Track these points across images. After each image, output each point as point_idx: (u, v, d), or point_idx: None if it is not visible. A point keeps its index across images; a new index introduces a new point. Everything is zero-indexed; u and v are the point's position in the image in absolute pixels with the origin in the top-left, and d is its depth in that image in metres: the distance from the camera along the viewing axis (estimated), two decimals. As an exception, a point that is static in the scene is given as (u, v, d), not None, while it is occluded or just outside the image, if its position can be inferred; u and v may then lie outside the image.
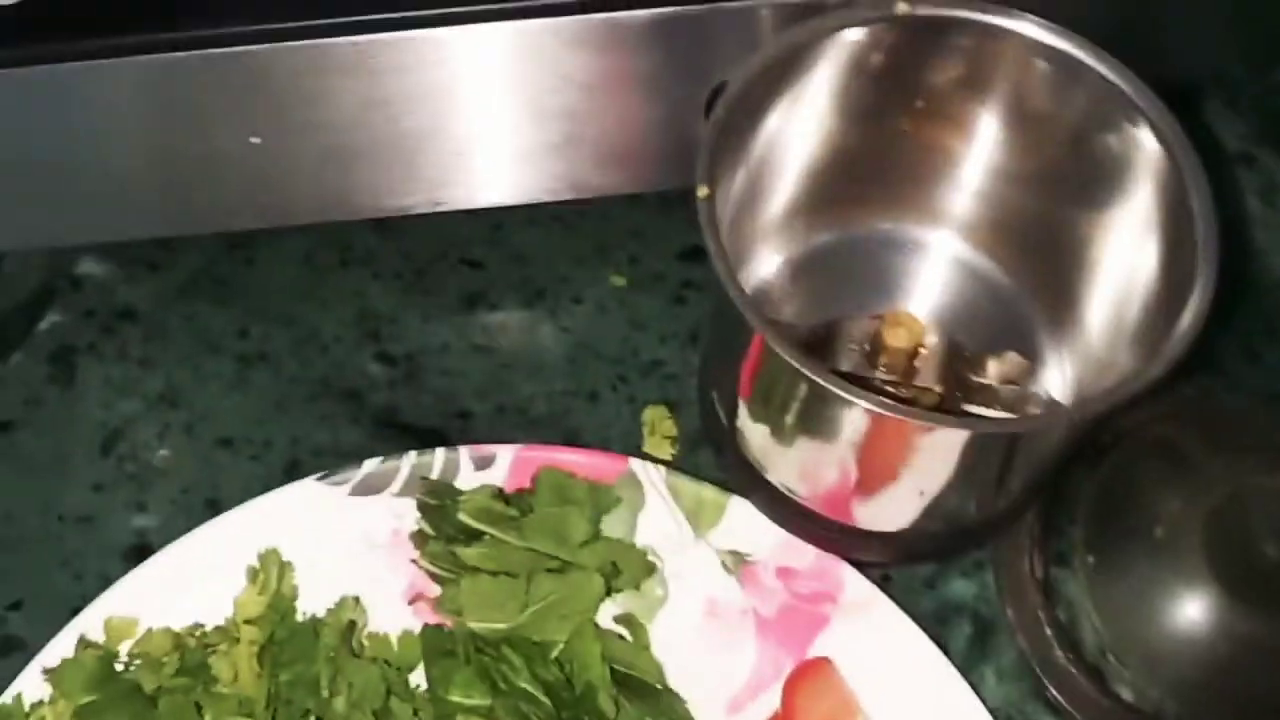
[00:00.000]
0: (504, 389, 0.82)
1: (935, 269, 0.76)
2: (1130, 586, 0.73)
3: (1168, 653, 0.71)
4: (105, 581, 0.71)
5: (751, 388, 0.67)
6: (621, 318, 0.85)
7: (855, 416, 0.60)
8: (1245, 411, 0.81)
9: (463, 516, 0.70)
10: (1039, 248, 0.73)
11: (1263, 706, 0.65)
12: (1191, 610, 0.71)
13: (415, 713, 0.68)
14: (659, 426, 0.80)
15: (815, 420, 0.63)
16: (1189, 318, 0.59)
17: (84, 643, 0.68)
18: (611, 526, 0.74)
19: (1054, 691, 0.72)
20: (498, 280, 0.86)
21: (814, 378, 0.58)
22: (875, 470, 0.65)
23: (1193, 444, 0.76)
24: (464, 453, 0.75)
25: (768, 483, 0.72)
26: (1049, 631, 0.72)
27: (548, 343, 0.84)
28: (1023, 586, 0.74)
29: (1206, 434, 0.77)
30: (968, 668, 0.72)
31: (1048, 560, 0.75)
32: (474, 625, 0.69)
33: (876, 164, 0.74)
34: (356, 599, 0.72)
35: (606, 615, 0.72)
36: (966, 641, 0.75)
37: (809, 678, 0.69)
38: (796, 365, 0.58)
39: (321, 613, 0.71)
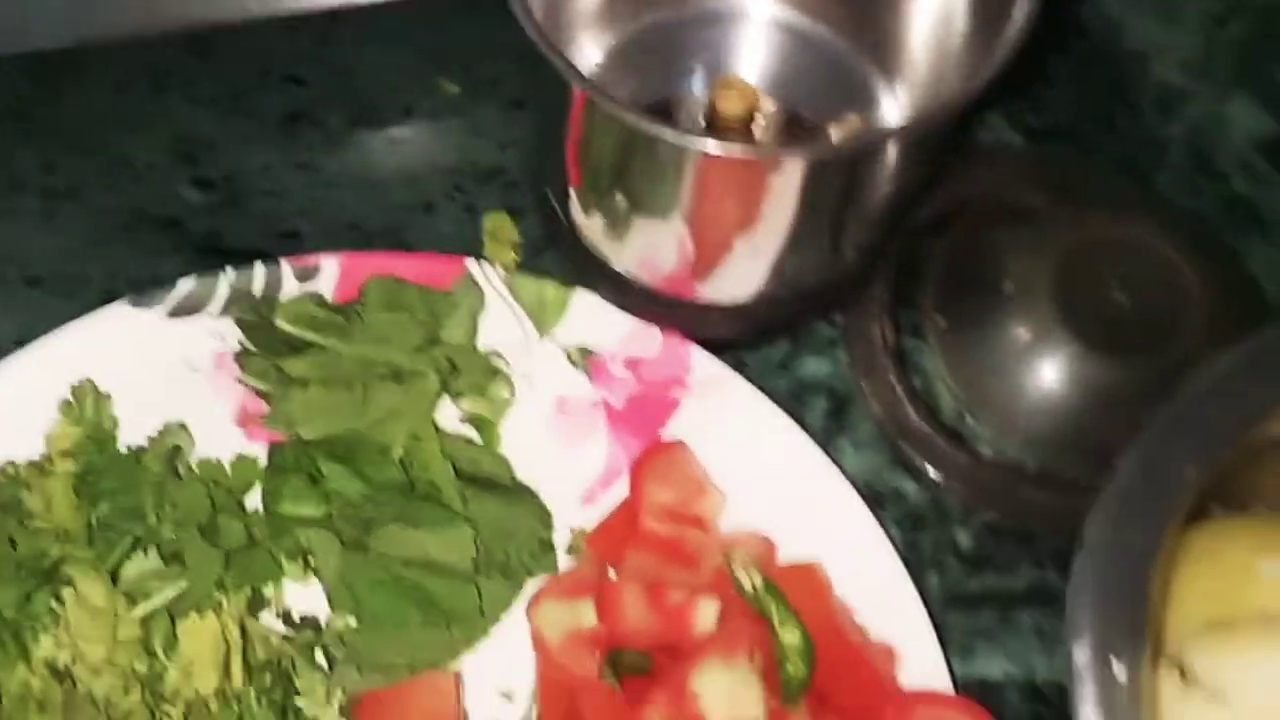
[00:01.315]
0: (332, 206, 0.78)
1: (761, 36, 0.73)
2: (983, 345, 0.71)
3: (1024, 406, 0.71)
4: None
5: (581, 168, 0.64)
6: (456, 126, 0.80)
7: (687, 167, 0.57)
8: (1089, 172, 0.80)
9: (282, 324, 0.67)
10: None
11: (1114, 450, 0.64)
12: (1045, 361, 0.70)
13: (248, 530, 0.65)
14: (500, 232, 0.76)
15: (648, 185, 0.60)
16: (1010, 30, 0.56)
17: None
18: (451, 332, 0.70)
19: (912, 454, 0.70)
20: (322, 97, 0.81)
21: (640, 125, 0.55)
22: (712, 233, 0.62)
23: (1038, 203, 0.75)
24: (285, 265, 0.71)
25: (611, 271, 0.69)
26: (904, 398, 0.71)
27: (377, 157, 0.80)
28: (875, 357, 0.72)
29: (1052, 193, 0.76)
30: (825, 441, 0.70)
31: (900, 331, 0.73)
32: (307, 436, 0.66)
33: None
34: (182, 425, 0.68)
35: (453, 418, 0.70)
36: (823, 416, 0.73)
37: (655, 460, 0.67)
38: (622, 115, 0.55)
39: (145, 442, 0.67)
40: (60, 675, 0.58)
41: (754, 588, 0.60)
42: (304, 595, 0.66)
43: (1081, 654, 0.53)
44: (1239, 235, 0.80)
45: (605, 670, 0.60)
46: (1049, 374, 0.70)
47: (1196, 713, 0.54)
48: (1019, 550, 0.71)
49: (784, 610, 0.60)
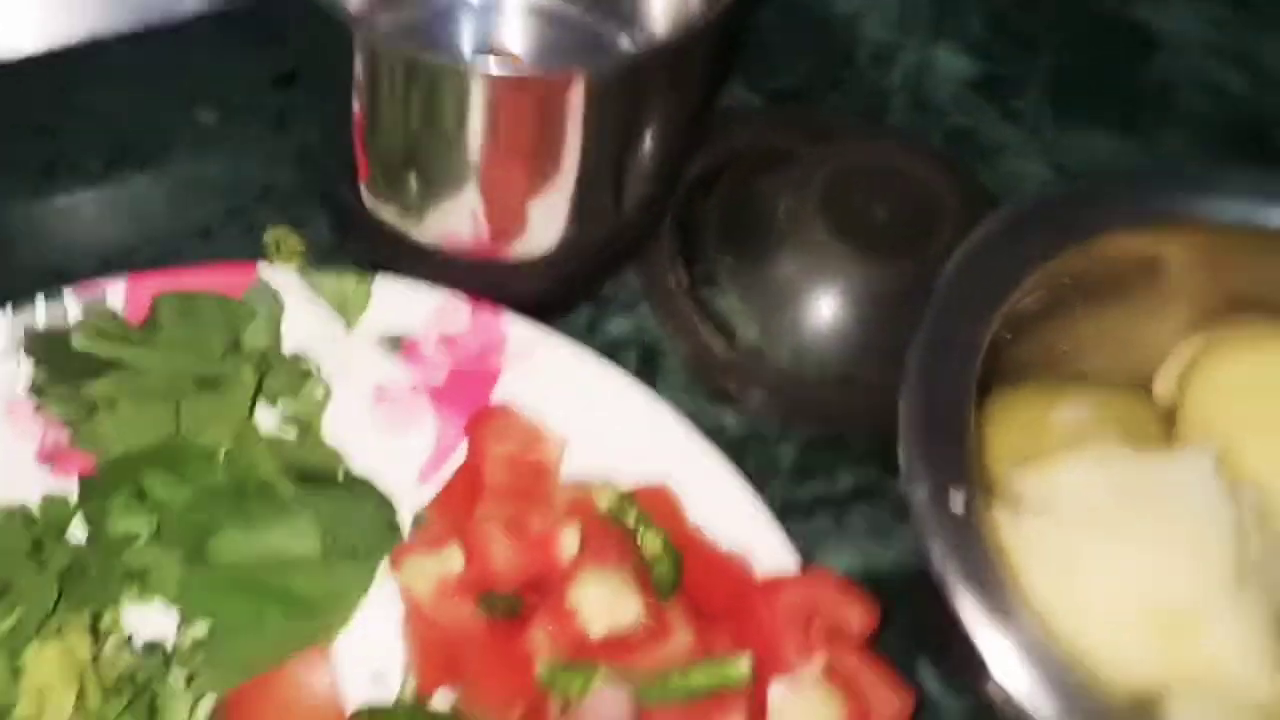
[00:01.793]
0: (102, 245, 0.75)
1: (518, 17, 0.76)
2: (769, 273, 0.76)
3: (814, 323, 0.75)
4: None
5: (369, 136, 0.64)
6: (220, 152, 0.80)
7: (472, 100, 0.58)
8: (832, 119, 0.87)
9: (81, 342, 0.64)
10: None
11: (900, 346, 0.69)
12: (824, 278, 0.75)
13: (77, 557, 0.61)
14: (283, 244, 0.76)
15: (435, 137, 0.62)
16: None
17: None
18: (253, 337, 0.69)
19: (724, 383, 0.74)
20: (75, 142, 0.79)
21: (422, 57, 0.57)
22: (502, 177, 0.64)
23: (795, 145, 0.81)
24: (68, 295, 0.68)
25: (412, 247, 0.70)
26: (707, 335, 0.75)
27: (143, 191, 0.78)
28: (674, 302, 0.76)
29: (805, 137, 0.82)
30: (643, 388, 0.73)
31: (692, 276, 0.77)
32: (118, 453, 0.63)
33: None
34: (-23, 469, 0.64)
35: (273, 422, 0.68)
36: (635, 369, 0.76)
37: (489, 421, 0.68)
38: (402, 51, 0.57)
39: (-59, 497, 0.63)
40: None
41: (611, 504, 0.62)
42: (146, 616, 0.63)
43: (920, 493, 0.57)
44: (966, 162, 0.88)
45: (481, 606, 0.59)
46: (830, 289, 0.75)
47: (1028, 528, 0.58)
48: (837, 457, 0.76)
49: (644, 520, 0.62)
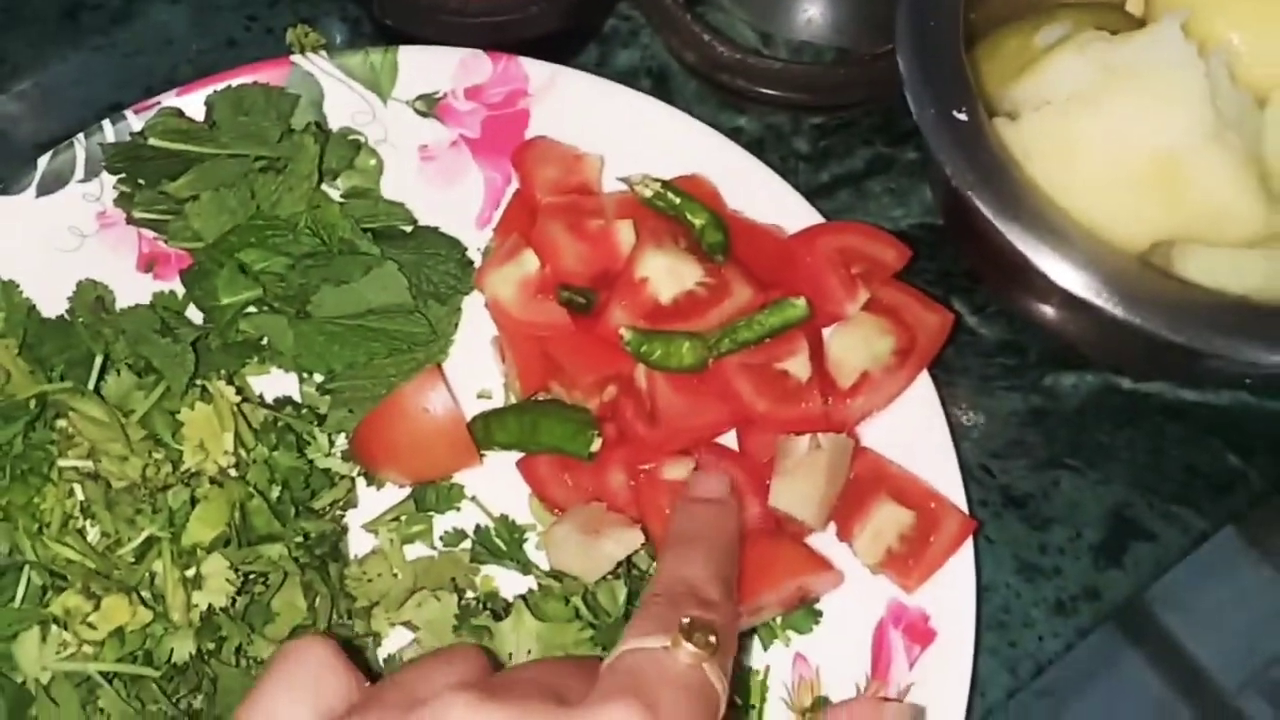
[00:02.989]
0: (143, 73, 0.81)
1: None
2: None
3: (803, 8, 0.81)
4: None
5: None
6: (224, -33, 0.85)
7: None
8: None
9: (155, 141, 0.71)
10: None
11: (888, 15, 0.74)
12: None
13: (195, 342, 0.68)
14: (306, 41, 0.81)
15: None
16: None
17: None
18: (301, 120, 0.75)
19: (733, 81, 0.79)
20: (89, -15, 0.84)
21: None
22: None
23: None
24: (129, 115, 0.74)
25: (427, 6, 0.75)
26: (711, 41, 0.80)
27: (165, 18, 0.83)
28: (676, 18, 0.80)
29: None
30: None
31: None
32: (212, 238, 0.70)
33: None
34: (94, 282, 0.71)
35: (335, 196, 0.75)
36: (649, 92, 0.81)
37: (530, 152, 0.74)
38: None
39: (65, 310, 0.70)
40: (91, 477, 0.61)
41: (653, 193, 0.69)
42: (268, 382, 0.71)
43: (926, 112, 0.63)
44: None
45: (562, 298, 0.67)
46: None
47: (1027, 126, 0.65)
48: (849, 138, 0.82)
49: (685, 199, 0.68)
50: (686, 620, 0.48)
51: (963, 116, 0.63)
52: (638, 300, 0.66)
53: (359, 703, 0.47)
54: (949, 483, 0.67)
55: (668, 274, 0.66)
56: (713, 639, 0.47)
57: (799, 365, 0.65)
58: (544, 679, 0.48)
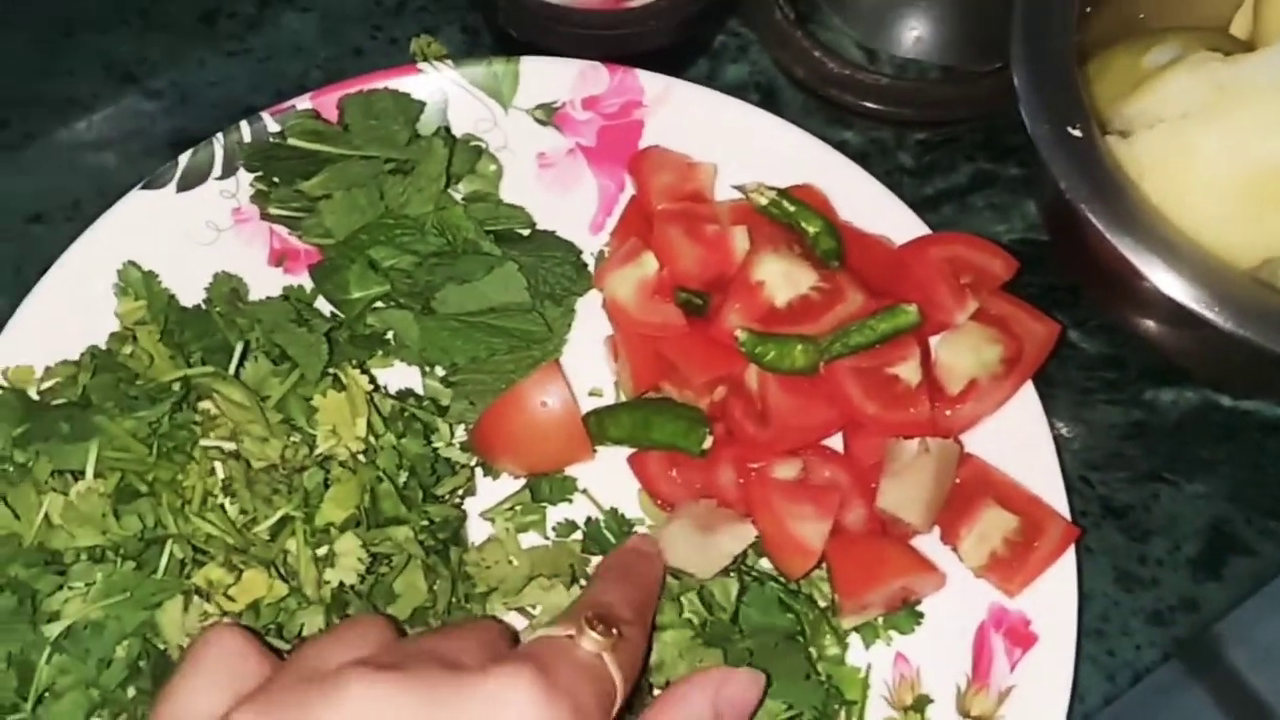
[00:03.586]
0: (275, 77, 0.85)
1: None
2: (865, -3, 0.83)
3: (910, 25, 0.83)
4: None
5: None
6: (355, -21, 0.88)
7: None
8: None
9: (294, 141, 0.74)
10: None
11: (996, 34, 0.76)
12: (919, -12, 0.82)
13: (331, 323, 0.72)
14: (428, 51, 0.85)
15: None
16: None
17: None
18: (427, 126, 0.79)
19: (840, 95, 0.82)
20: (225, -8, 0.88)
21: None
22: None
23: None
24: (265, 117, 0.78)
25: (549, 17, 0.78)
26: (819, 56, 0.82)
27: (297, 25, 0.87)
28: (784, 33, 0.83)
29: None
30: (773, 117, 0.81)
31: (798, 13, 0.84)
32: (342, 235, 0.73)
33: None
34: (228, 274, 0.75)
35: (457, 196, 0.78)
36: (757, 105, 0.84)
37: (647, 156, 0.77)
38: None
39: (202, 300, 0.74)
40: (232, 456, 0.64)
41: (769, 201, 0.71)
42: (392, 375, 0.74)
43: (1040, 127, 0.65)
44: None
45: (679, 299, 0.69)
46: (921, -2, 0.83)
47: (1139, 142, 0.66)
48: (952, 153, 0.84)
49: (800, 206, 0.71)
50: (590, 613, 0.51)
51: (1077, 132, 0.65)
52: (753, 303, 0.68)
53: (263, 683, 0.49)
54: (1052, 490, 0.68)
55: (783, 278, 0.68)
56: (615, 631, 0.51)
57: (910, 370, 0.67)
58: (442, 648, 0.50)
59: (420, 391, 0.74)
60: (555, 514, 0.72)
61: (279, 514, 0.64)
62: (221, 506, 0.64)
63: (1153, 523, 0.73)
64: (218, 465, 0.64)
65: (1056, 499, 0.68)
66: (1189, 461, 0.75)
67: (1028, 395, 0.71)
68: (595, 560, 0.70)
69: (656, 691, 0.63)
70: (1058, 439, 0.73)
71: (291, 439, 0.66)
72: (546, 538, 0.71)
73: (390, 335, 0.74)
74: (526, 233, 0.77)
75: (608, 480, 0.72)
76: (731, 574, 0.66)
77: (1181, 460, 0.75)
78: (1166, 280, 0.62)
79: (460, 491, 0.71)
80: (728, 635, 0.65)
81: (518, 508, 0.71)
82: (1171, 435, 0.75)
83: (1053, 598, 0.66)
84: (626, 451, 0.72)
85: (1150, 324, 0.70)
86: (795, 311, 0.68)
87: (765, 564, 0.69)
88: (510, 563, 0.69)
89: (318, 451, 0.66)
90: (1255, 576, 0.72)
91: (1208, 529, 0.73)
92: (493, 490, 0.72)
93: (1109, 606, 0.71)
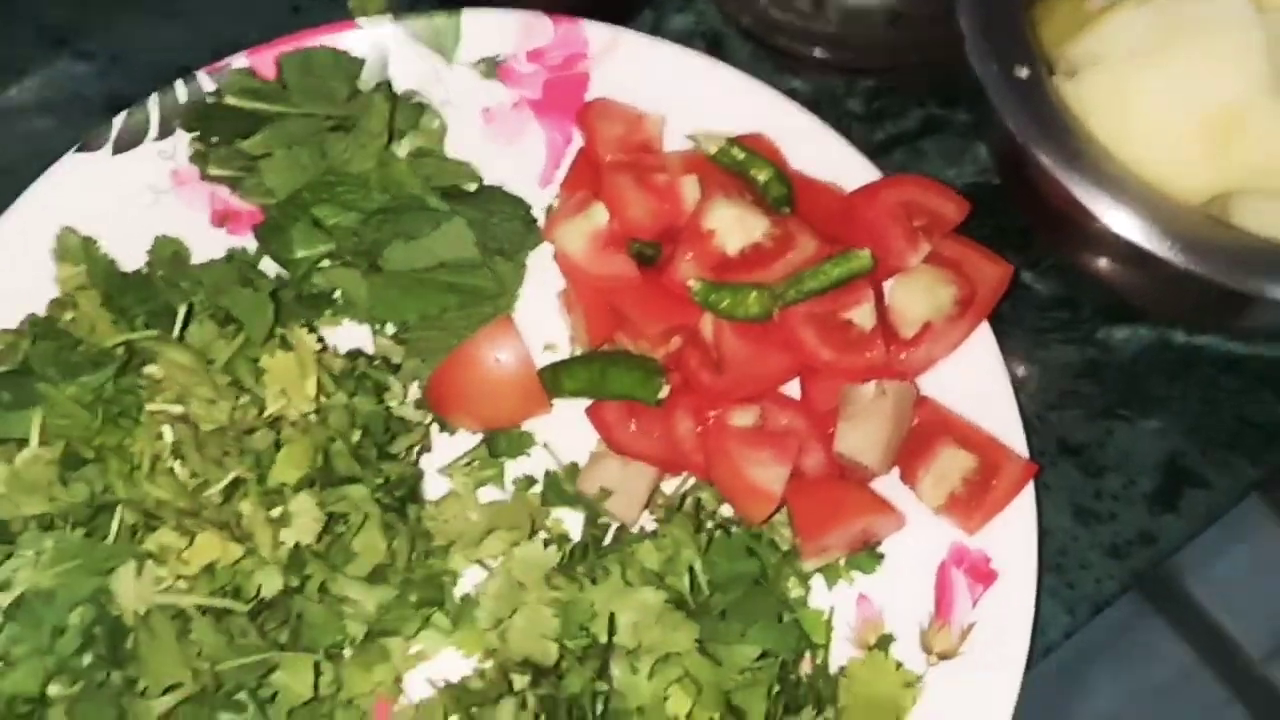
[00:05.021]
0: (210, 37, 0.83)
1: None
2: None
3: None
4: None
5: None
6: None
7: None
8: None
9: (231, 100, 0.72)
10: None
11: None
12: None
13: (277, 284, 0.70)
14: (367, 6, 0.83)
15: None
16: None
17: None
18: (367, 87, 0.77)
19: (789, 43, 0.81)
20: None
21: None
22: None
23: None
24: (200, 76, 0.76)
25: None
26: (763, 2, 0.81)
27: (229, -18, 0.85)
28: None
29: None
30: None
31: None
32: (284, 194, 0.72)
33: None
34: (169, 238, 0.73)
35: (401, 153, 0.76)
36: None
37: (593, 112, 0.76)
38: None
39: (144, 264, 0.72)
40: (180, 419, 0.63)
41: (718, 149, 0.70)
42: (340, 334, 0.73)
43: (988, 69, 0.65)
44: None
45: (632, 250, 0.69)
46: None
47: (1085, 83, 0.66)
48: (902, 100, 0.83)
49: (750, 154, 0.70)
50: None
51: (1024, 73, 0.65)
52: (705, 251, 0.67)
53: None
54: (1010, 429, 0.68)
55: (735, 225, 0.67)
56: None
57: (864, 315, 0.67)
58: None
59: (371, 351, 0.73)
60: (514, 469, 0.71)
61: (230, 476, 0.63)
62: (171, 470, 0.62)
63: (1109, 459, 0.74)
64: (165, 429, 0.63)
65: (1014, 438, 0.68)
66: (1143, 398, 0.75)
67: (983, 336, 0.71)
68: (555, 513, 0.70)
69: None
70: (1013, 380, 0.73)
71: (241, 401, 0.64)
72: (505, 491, 0.71)
73: (338, 295, 0.73)
74: (473, 188, 0.76)
75: (566, 434, 0.71)
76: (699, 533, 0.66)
77: (1136, 397, 0.75)
78: (1117, 219, 0.62)
79: (416, 449, 0.70)
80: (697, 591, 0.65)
81: (475, 463, 0.71)
82: (1126, 373, 0.76)
83: (1012, 534, 0.67)
84: (584, 404, 0.71)
85: (1103, 263, 0.70)
86: (748, 259, 0.68)
87: (727, 510, 0.69)
88: (470, 517, 0.68)
89: (268, 413, 0.65)
90: (1211, 509, 0.73)
91: (1163, 463, 0.74)
92: (449, 446, 0.72)
93: (1067, 541, 0.72)
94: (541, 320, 0.74)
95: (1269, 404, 0.75)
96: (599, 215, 0.69)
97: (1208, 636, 1.48)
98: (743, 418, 0.68)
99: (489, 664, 0.65)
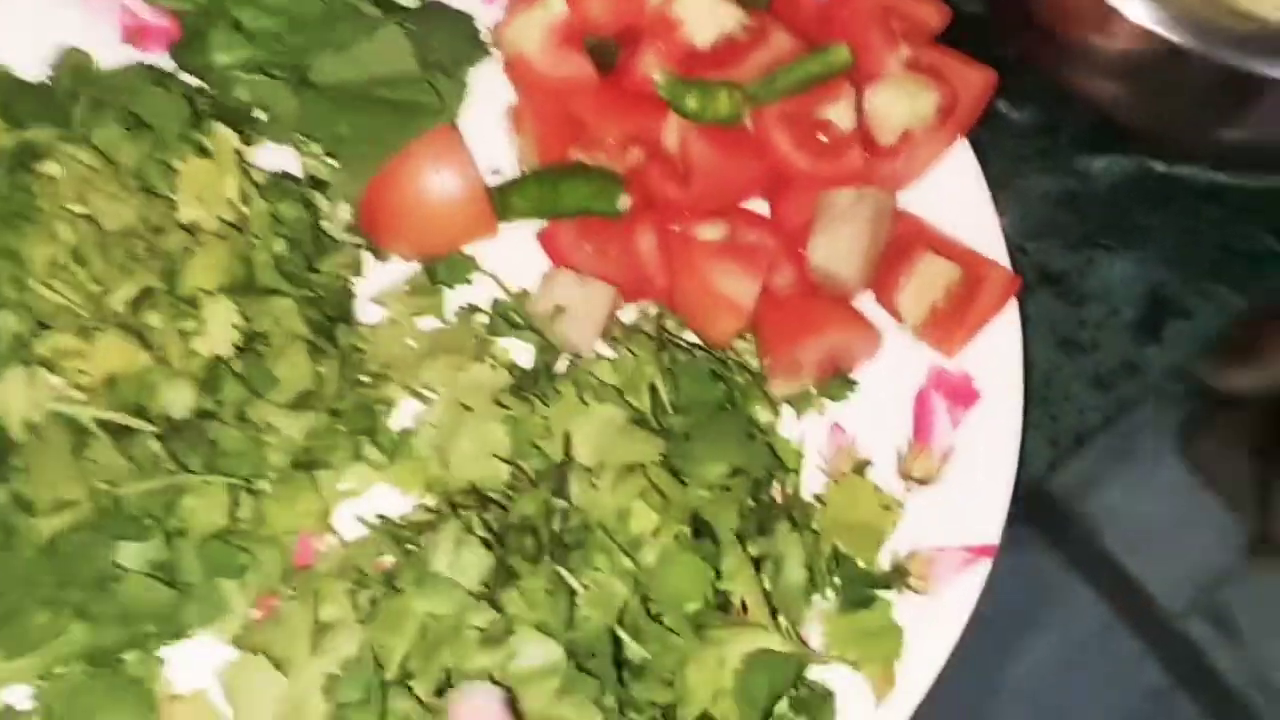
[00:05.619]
0: None
1: None
2: None
3: None
4: None
5: None
6: None
7: None
8: None
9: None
10: None
11: None
12: None
13: (192, 95, 0.64)
14: None
15: None
16: None
17: None
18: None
19: None
20: None
21: None
22: None
23: None
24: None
25: None
26: None
27: None
28: None
29: None
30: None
31: None
32: (204, -3, 0.65)
33: None
34: (75, 48, 0.66)
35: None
36: None
37: None
38: None
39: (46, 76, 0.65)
40: (82, 219, 0.56)
41: (682, -58, 0.65)
42: (267, 157, 0.66)
43: None
44: None
45: (589, 45, 0.63)
46: None
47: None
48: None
49: (719, -54, 0.65)
50: None
51: None
52: (672, 42, 0.62)
53: None
54: (991, 243, 0.64)
55: (706, 14, 0.62)
56: None
57: (842, 113, 0.62)
58: None
59: (299, 175, 0.66)
60: (455, 299, 0.65)
61: (138, 284, 0.56)
62: (71, 274, 0.56)
63: (1089, 288, 0.70)
64: (64, 228, 0.56)
65: (996, 251, 0.64)
66: (1124, 228, 0.71)
67: (963, 153, 0.66)
68: (501, 341, 0.64)
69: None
70: (991, 207, 0.69)
71: (151, 203, 0.58)
72: (447, 324, 0.65)
73: (262, 114, 0.66)
74: (414, 3, 0.70)
75: (515, 261, 0.66)
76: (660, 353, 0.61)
77: (1116, 226, 0.71)
78: (1129, 5, 0.58)
79: (348, 269, 0.64)
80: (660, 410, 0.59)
81: (412, 290, 0.64)
82: (1105, 202, 0.72)
83: (995, 352, 0.62)
84: (530, 229, 0.66)
85: (1093, 78, 0.66)
86: (719, 54, 0.62)
87: (691, 338, 0.64)
88: (407, 344, 0.62)
89: (181, 219, 0.58)
90: (1194, 338, 0.69)
91: (1146, 293, 0.70)
92: (384, 274, 0.65)
93: (1050, 371, 0.68)
94: (486, 143, 0.68)
95: (1252, 233, 0.72)
96: (555, 5, 0.63)
97: (1126, 593, 1.47)
98: (710, 232, 0.62)
99: (429, 499, 0.59)
